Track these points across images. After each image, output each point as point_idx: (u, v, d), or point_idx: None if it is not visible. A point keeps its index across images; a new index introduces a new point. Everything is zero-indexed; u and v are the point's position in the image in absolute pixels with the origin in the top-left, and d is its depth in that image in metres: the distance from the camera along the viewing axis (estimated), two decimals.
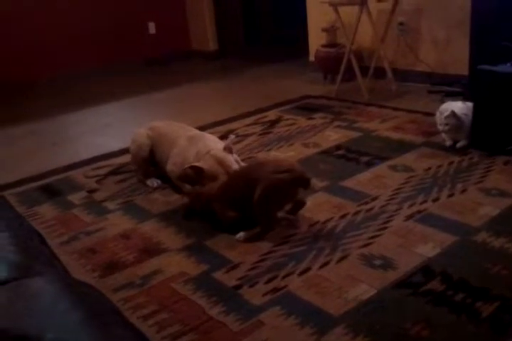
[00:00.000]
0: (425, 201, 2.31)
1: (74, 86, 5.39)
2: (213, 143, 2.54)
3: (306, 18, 4.93)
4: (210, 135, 2.70)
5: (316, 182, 2.54)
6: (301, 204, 2.27)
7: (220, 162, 2.36)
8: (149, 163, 2.80)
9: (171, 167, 2.60)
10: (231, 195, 2.21)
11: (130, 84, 5.35)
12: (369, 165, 2.77)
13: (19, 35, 5.20)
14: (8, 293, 0.98)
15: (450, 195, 2.35)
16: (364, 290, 1.76)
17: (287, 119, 3.67)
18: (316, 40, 4.84)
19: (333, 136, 3.26)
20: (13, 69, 5.18)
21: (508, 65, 2.71)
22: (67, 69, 5.53)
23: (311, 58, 4.96)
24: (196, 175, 2.35)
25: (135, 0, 5.88)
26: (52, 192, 2.83)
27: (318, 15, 4.73)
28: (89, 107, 4.57)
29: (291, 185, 2.11)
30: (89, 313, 0.92)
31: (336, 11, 3.91)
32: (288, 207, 2.28)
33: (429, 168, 2.64)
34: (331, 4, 3.89)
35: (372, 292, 1.74)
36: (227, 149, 2.44)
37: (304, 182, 2.13)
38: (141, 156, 2.77)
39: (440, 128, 2.89)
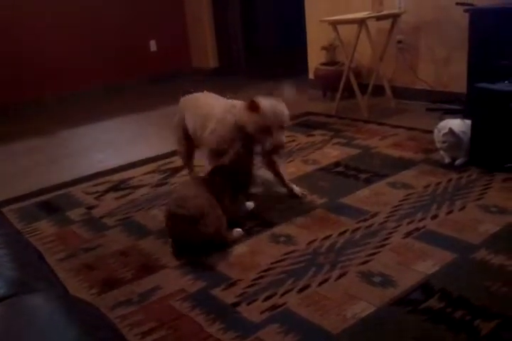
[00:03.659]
0: (424, 218, 2.31)
1: (76, 103, 5.43)
2: None
3: (306, 36, 4.99)
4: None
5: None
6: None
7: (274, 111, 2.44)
8: (185, 137, 2.82)
9: (208, 135, 2.54)
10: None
11: (131, 102, 5.39)
12: (368, 182, 2.77)
13: (25, 55, 5.26)
14: (5, 310, 0.98)
15: (449, 212, 2.35)
16: (363, 307, 1.75)
17: (287, 136, 3.66)
18: (315, 58, 4.89)
19: (332, 152, 3.27)
20: (16, 87, 5.22)
21: (506, 83, 2.73)
22: (70, 87, 5.57)
23: (311, 76, 5.01)
24: (252, 110, 2.37)
25: (136, 18, 5.95)
26: (51, 209, 2.83)
27: (317, 33, 4.79)
28: (90, 124, 4.60)
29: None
30: (86, 330, 0.91)
31: (335, 30, 3.96)
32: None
33: (428, 185, 2.65)
34: (331, 23, 3.94)
35: (371, 309, 1.74)
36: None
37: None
38: (175, 127, 2.84)
39: (438, 145, 2.90)
